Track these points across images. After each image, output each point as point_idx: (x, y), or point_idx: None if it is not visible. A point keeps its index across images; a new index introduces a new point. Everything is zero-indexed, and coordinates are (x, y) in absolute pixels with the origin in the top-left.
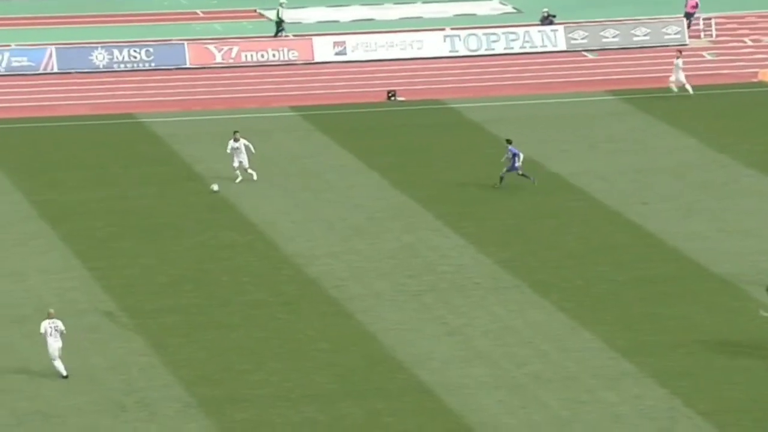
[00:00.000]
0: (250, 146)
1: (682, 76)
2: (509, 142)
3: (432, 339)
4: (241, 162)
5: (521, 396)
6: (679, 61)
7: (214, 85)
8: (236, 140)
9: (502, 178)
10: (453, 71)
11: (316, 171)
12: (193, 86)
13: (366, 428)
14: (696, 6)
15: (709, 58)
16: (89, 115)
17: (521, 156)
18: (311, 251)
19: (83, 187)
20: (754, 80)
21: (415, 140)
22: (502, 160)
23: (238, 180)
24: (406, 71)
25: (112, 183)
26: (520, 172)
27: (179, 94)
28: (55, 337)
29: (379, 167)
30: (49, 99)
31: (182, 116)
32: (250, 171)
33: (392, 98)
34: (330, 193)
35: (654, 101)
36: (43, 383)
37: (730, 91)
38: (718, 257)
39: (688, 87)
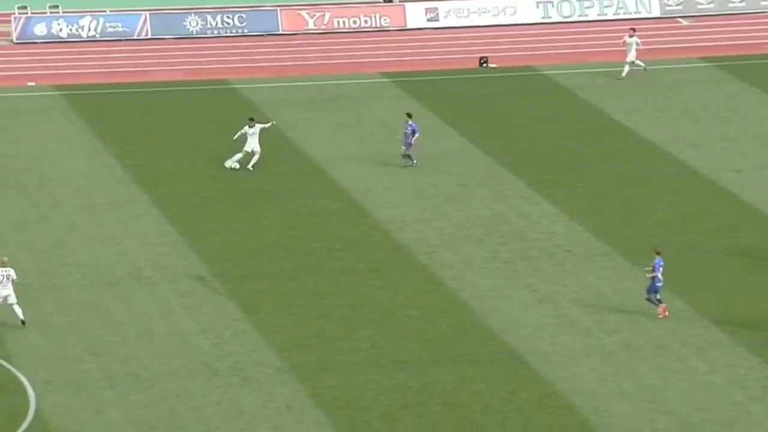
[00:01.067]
0: (267, 126)
1: (633, 55)
2: (409, 116)
3: (522, 306)
4: (252, 149)
5: (612, 364)
6: (633, 39)
7: (307, 51)
8: (251, 126)
9: (408, 156)
10: (546, 37)
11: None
12: (286, 52)
13: (456, 395)
14: None
15: None
16: (182, 81)
17: (417, 134)
18: (402, 218)
19: (176, 152)
20: None
21: (507, 107)
22: (399, 137)
23: (230, 164)
24: (498, 37)
25: (205, 148)
26: (407, 152)
27: (272, 60)
28: (5, 284)
29: (470, 134)
30: (143, 64)
31: (275, 82)
32: (254, 151)
33: (484, 65)
34: (421, 159)
35: (749, 68)
36: (135, 346)
37: None
38: None
39: (640, 62)
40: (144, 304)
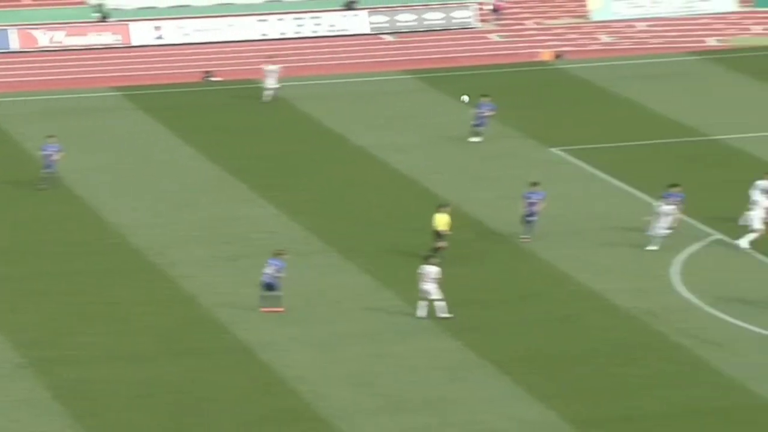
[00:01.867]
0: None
1: (271, 82)
2: (50, 137)
3: (247, 301)
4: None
5: (330, 352)
6: (273, 67)
7: (42, 68)
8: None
9: (46, 179)
10: (265, 53)
11: (138, 146)
12: (22, 69)
13: (187, 385)
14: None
15: (496, 39)
16: None
17: (58, 155)
18: (134, 221)
19: None
20: (537, 59)
21: (230, 117)
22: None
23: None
24: (220, 53)
25: None
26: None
27: (9, 76)
28: None
29: (196, 143)
30: None
31: (12, 97)
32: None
33: (208, 78)
34: (151, 167)
35: (445, 80)
36: None
37: (516, 69)
38: (499, 221)
39: (267, 95)
40: None
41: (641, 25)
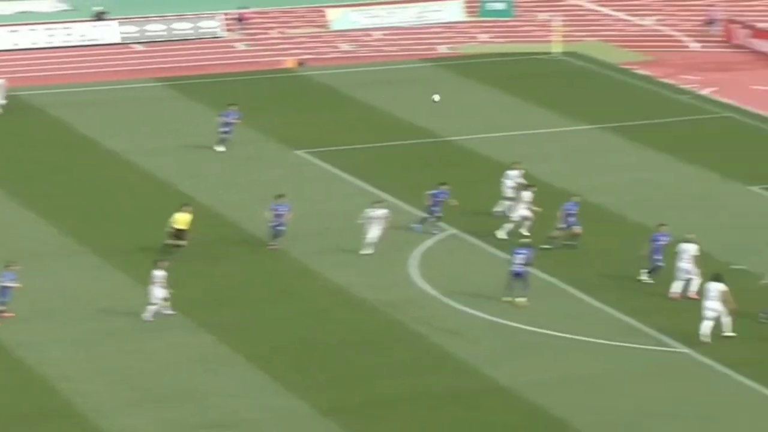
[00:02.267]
0: None
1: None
2: None
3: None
4: None
5: (88, 349)
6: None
7: None
8: None
9: None
10: (17, 63)
11: None
12: None
13: None
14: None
15: (242, 48)
16: None
17: None
18: None
19: None
20: (281, 67)
21: None
22: None
23: None
24: None
25: None
26: None
27: None
28: None
29: None
30: None
31: None
32: None
33: None
34: None
35: (194, 87)
36: None
37: (261, 76)
38: (250, 223)
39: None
40: None
41: (378, 34)
